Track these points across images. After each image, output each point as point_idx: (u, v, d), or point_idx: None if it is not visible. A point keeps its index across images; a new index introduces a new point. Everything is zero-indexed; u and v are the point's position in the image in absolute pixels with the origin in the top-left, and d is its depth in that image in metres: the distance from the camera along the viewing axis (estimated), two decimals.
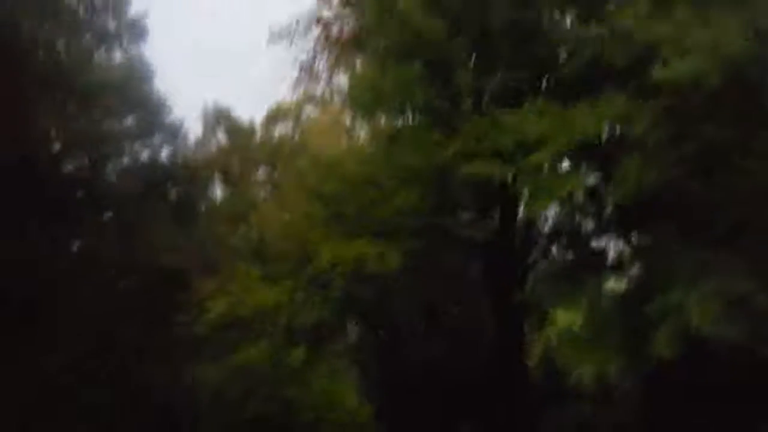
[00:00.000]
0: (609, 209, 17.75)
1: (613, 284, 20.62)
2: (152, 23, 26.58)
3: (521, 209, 18.35)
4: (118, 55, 26.06)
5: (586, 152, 15.49)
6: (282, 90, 20.29)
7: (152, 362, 22.21)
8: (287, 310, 18.68)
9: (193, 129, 29.86)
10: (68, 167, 28.65)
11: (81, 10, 25.25)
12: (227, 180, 28.26)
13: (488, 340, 19.70)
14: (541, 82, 17.07)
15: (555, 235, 19.09)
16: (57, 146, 27.64)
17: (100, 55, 26.04)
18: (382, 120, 19.79)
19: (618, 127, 15.60)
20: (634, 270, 18.76)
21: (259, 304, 18.21)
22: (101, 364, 21.58)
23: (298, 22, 17.99)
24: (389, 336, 24.56)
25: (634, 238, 18.34)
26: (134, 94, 26.28)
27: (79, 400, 20.02)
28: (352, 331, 25.54)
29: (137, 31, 25.55)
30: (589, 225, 18.56)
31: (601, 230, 18.32)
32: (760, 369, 15.55)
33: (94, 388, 20.61)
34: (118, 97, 26.23)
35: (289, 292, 18.56)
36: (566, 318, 20.85)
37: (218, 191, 29.20)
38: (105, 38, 25.76)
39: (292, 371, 18.11)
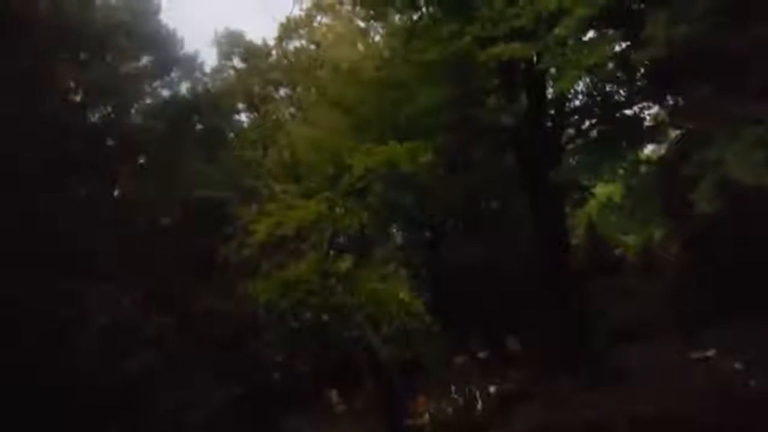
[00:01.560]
0: (641, 74, 17.23)
1: (651, 151, 20.36)
2: None
3: (549, 87, 17.93)
4: None
5: (611, 16, 14.88)
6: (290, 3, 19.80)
7: (208, 289, 22.97)
8: (329, 222, 18.97)
9: (209, 58, 29.59)
10: (93, 116, 28.83)
11: None
12: (250, 104, 28.14)
13: (529, 225, 19.76)
14: None
15: (587, 108, 18.68)
16: (78, 98, 27.75)
17: None
18: (396, 18, 19.27)
19: None
20: (672, 134, 18.42)
21: (300, 219, 18.49)
22: (159, 298, 22.40)
23: None
24: (432, 235, 24.89)
25: (669, 100, 17.85)
26: (143, 32, 25.99)
27: (143, 333, 20.93)
28: (396, 235, 25.95)
29: None
30: (621, 93, 18.09)
31: (634, 97, 17.86)
32: None
33: (156, 319, 21.49)
34: (127, 37, 25.98)
35: (328, 205, 18.78)
36: (606, 190, 20.74)
37: (243, 117, 29.18)
38: None
39: (340, 279, 18.56)
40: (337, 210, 19.39)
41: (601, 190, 21.33)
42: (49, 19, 23.03)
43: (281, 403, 17.71)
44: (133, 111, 29.54)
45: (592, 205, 23.03)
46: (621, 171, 17.65)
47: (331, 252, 19.42)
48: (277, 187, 21.51)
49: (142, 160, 30.27)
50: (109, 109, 28.49)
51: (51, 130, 25.61)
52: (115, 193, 30.19)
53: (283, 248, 20.66)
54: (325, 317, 17.54)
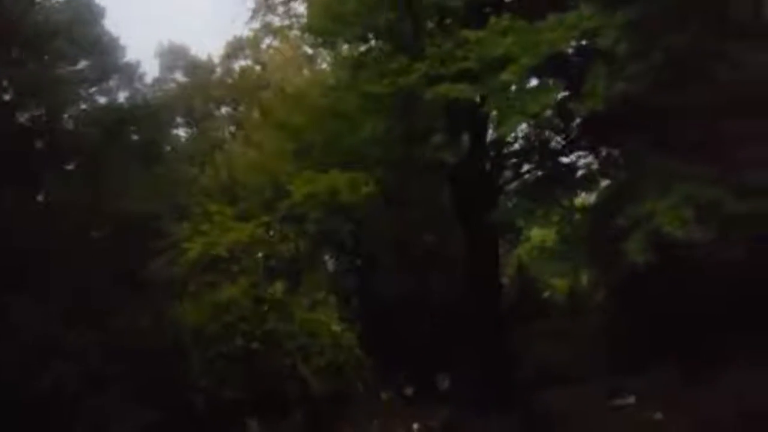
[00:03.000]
0: (578, 124, 17.82)
1: (584, 199, 21.00)
2: None
3: (490, 130, 18.32)
4: None
5: (554, 67, 15.36)
6: (238, 24, 19.65)
7: (131, 307, 22.19)
8: (263, 245, 18.69)
9: (151, 70, 28.91)
10: (23, 118, 27.65)
11: None
12: (190, 120, 27.60)
13: (462, 262, 19.99)
14: None
15: (525, 153, 19.16)
16: (8, 96, 26.60)
17: None
18: (345, 48, 19.36)
19: (585, 41, 15.44)
20: (604, 183, 19.05)
21: (235, 241, 18.16)
22: (81, 312, 21.49)
23: None
24: (365, 265, 24.84)
25: (604, 151, 18.51)
26: (84, 36, 25.16)
27: (62, 348, 20.00)
28: (329, 263, 25.77)
29: None
30: (558, 140, 18.64)
31: (570, 145, 18.43)
32: (729, 274, 16.08)
33: (76, 335, 20.58)
34: (67, 40, 25.10)
35: (264, 228, 18.52)
36: (539, 235, 21.25)
37: (182, 132, 28.56)
38: None
39: (272, 304, 18.26)
40: (273, 234, 19.14)
41: (535, 233, 21.84)
42: None
43: (203, 430, 17.14)
44: (65, 116, 28.47)
45: (525, 247, 23.53)
46: (555, 216, 18.15)
47: (264, 277, 19.08)
48: (213, 207, 21.04)
49: (71, 167, 29.14)
50: (41, 111, 27.40)
51: None
52: (40, 199, 28.93)
53: (214, 269, 20.17)
54: (255, 344, 17.16)
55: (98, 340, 19.79)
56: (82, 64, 26.87)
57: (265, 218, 18.76)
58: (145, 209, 25.89)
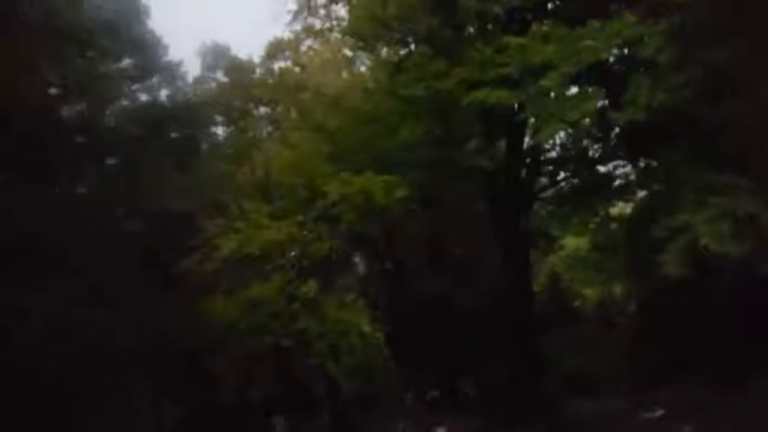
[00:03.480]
0: (616, 133, 17.68)
1: (621, 209, 20.81)
2: None
3: (527, 136, 18.25)
4: None
5: (594, 75, 15.27)
6: (281, 26, 19.92)
7: (164, 303, 22.55)
8: (297, 245, 18.86)
9: (193, 68, 29.43)
10: (66, 113, 28.32)
11: None
12: (229, 118, 27.99)
13: (494, 267, 19.92)
14: (547, 5, 16.70)
15: (562, 161, 19.04)
16: (54, 91, 27.28)
17: None
18: (384, 51, 19.47)
19: (627, 49, 15.33)
20: (641, 194, 18.87)
21: (269, 240, 18.36)
22: (113, 307, 21.92)
23: None
24: (397, 268, 24.88)
25: (642, 162, 18.34)
26: (129, 34, 25.75)
27: (92, 343, 20.42)
28: (360, 264, 25.88)
29: None
30: (596, 150, 18.50)
31: (608, 155, 18.28)
32: (759, 289, 15.84)
33: (106, 329, 20.99)
34: (112, 37, 25.70)
35: (298, 228, 18.69)
36: (573, 243, 21.10)
37: (220, 130, 28.98)
38: None
39: (304, 303, 18.42)
40: (306, 234, 19.30)
41: (569, 241, 21.69)
42: (34, 13, 22.74)
43: (230, 427, 17.36)
44: (108, 112, 29.09)
45: (558, 255, 23.37)
46: (590, 225, 18.04)
47: (296, 276, 19.26)
48: (248, 205, 21.31)
49: (111, 162, 29.72)
50: (84, 106, 28.03)
51: (21, 121, 25.04)
52: (81, 192, 29.54)
53: (248, 267, 20.43)
54: (286, 342, 17.32)
55: (129, 336, 20.19)
56: (126, 61, 27.49)
57: (300, 218, 18.92)
58: (181, 206, 26.37)
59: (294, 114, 23.12)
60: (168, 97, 27.81)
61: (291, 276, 18.89)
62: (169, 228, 27.02)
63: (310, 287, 18.48)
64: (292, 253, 19.49)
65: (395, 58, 18.87)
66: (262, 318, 17.89)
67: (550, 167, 19.31)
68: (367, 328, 18.13)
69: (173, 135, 28.84)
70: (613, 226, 18.29)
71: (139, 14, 26.65)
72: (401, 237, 22.10)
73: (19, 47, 22.99)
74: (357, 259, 25.69)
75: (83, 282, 21.99)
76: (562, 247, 22.02)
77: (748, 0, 13.22)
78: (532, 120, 16.54)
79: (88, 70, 26.36)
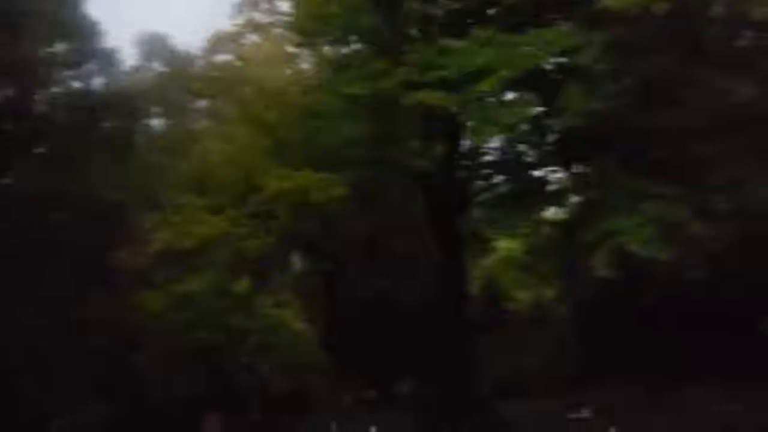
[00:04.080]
0: (551, 139, 18.06)
1: (554, 213, 21.26)
2: None
3: (465, 139, 18.47)
4: None
5: (531, 81, 15.58)
6: (223, 19, 19.63)
7: (92, 297, 21.90)
8: (231, 240, 18.59)
9: (130, 58, 28.56)
10: None
11: None
12: (166, 110, 27.30)
13: (430, 269, 20.08)
14: (488, 11, 16.93)
15: (498, 164, 19.34)
16: None
17: None
18: (327, 48, 19.37)
19: (563, 58, 15.69)
20: (574, 199, 19.33)
21: (203, 234, 18.03)
22: (37, 300, 21.17)
23: None
24: (333, 267, 24.77)
25: (576, 167, 18.80)
26: (64, 20, 24.83)
27: (14, 336, 19.67)
28: (296, 261, 25.65)
29: None
30: (531, 154, 18.85)
31: (543, 160, 18.66)
32: (689, 293, 16.48)
33: (29, 322, 20.26)
34: (45, 21, 24.73)
35: (233, 223, 18.42)
36: (507, 245, 21.46)
37: (156, 122, 28.22)
38: None
39: (236, 300, 18.16)
40: (241, 230, 19.03)
41: (503, 244, 22.03)
42: None
43: (157, 424, 16.95)
44: (36, 97, 27.95)
45: (493, 257, 23.71)
46: (524, 229, 18.38)
47: (230, 272, 18.95)
48: (183, 198, 20.83)
49: (41, 150, 28.60)
50: (11, 91, 26.89)
51: None
52: (6, 181, 28.36)
53: (181, 262, 19.98)
54: (216, 338, 17.02)
55: (54, 329, 19.50)
56: (59, 46, 26.49)
57: (235, 213, 18.63)
58: (114, 198, 25.59)
59: (234, 108, 22.73)
60: (103, 85, 26.94)
61: (224, 272, 18.57)
62: (100, 220, 26.21)
63: (243, 284, 18.23)
64: (227, 249, 19.15)
65: (337, 55, 18.81)
66: (192, 314, 17.53)
67: (487, 170, 19.57)
68: (299, 325, 17.98)
69: (107, 124, 27.98)
70: (546, 229, 18.68)
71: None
72: (339, 234, 22.01)
73: None
74: (293, 257, 25.45)
75: (14, 279, 21.18)
76: (496, 250, 22.36)
77: (679, 14, 13.68)
78: (470, 123, 16.74)
79: (17, 54, 25.33)
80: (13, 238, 23.39)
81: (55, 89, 27.40)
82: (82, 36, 25.93)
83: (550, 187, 19.18)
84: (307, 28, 18.18)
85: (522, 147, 19.16)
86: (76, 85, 27.44)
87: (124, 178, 26.95)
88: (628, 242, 13.80)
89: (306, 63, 21.20)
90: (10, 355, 18.25)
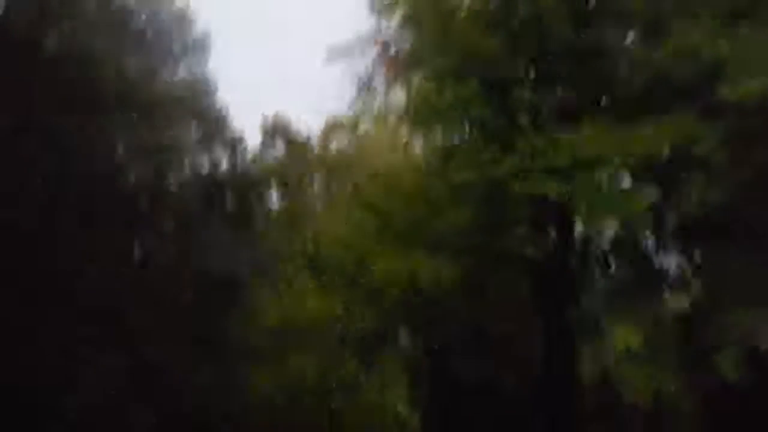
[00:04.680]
0: (670, 226, 17.43)
1: (674, 302, 20.24)
2: (220, 39, 27.59)
3: (578, 224, 18.13)
4: (182, 71, 27.16)
5: (647, 170, 15.24)
6: (340, 105, 20.70)
7: (205, 365, 22.86)
8: (341, 320, 18.95)
9: (254, 140, 30.63)
10: (131, 177, 29.63)
11: (149, 30, 26.40)
12: (284, 190, 28.82)
13: (539, 357, 19.48)
14: (600, 100, 16.89)
15: (613, 251, 18.77)
16: (121, 156, 28.66)
17: (165, 71, 27.17)
18: (438, 135, 19.86)
19: (681, 146, 15.28)
20: (696, 288, 18.37)
21: (314, 313, 18.51)
22: (155, 367, 22.32)
23: (356, 40, 18.25)
24: (440, 349, 24.57)
25: (696, 255, 17.96)
26: (196, 107, 27.14)
27: (137, 397, 20.76)
28: (404, 342, 25.67)
29: (202, 48, 26.64)
30: (649, 241, 18.21)
31: (661, 247, 17.97)
32: None
33: (145, 392, 21.35)
34: (180, 109, 27.11)
35: (343, 303, 18.81)
36: (624, 336, 20.48)
37: (275, 201, 29.80)
38: (170, 55, 26.88)
39: (342, 379, 18.33)
40: (351, 309, 19.40)
41: (619, 334, 21.08)
42: (111, 81, 24.26)
43: None
44: (170, 178, 30.28)
45: (606, 347, 22.70)
46: (642, 319, 17.57)
47: (337, 352, 19.27)
48: (296, 276, 21.64)
49: (169, 227, 30.72)
50: (149, 172, 29.30)
51: (88, 183, 26.34)
52: (136, 253, 30.52)
53: (290, 338, 20.57)
54: (322, 421, 17.20)
55: (165, 398, 20.42)
56: (191, 132, 28.89)
57: (345, 293, 19.06)
58: (232, 273, 26.96)
59: (347, 190, 23.64)
60: (228, 167, 28.99)
61: (331, 351, 18.89)
62: (216, 293, 27.55)
63: (349, 364, 18.43)
64: (335, 328, 19.55)
65: (448, 143, 19.21)
66: (297, 392, 17.86)
67: (601, 257, 19.02)
68: (403, 409, 17.84)
69: (230, 203, 29.87)
70: (667, 320, 17.78)
71: (208, 88, 28.18)
72: (446, 318, 21.96)
73: (95, 116, 24.44)
74: (400, 337, 25.55)
75: (135, 349, 22.58)
76: (612, 341, 21.40)
77: None
78: (583, 211, 16.48)
79: (153, 139, 27.74)
80: (138, 313, 24.94)
81: (185, 171, 29.70)
82: (212, 122, 28.22)
83: (670, 276, 18.38)
84: (420, 116, 18.76)
85: (638, 233, 18.58)
86: (205, 166, 29.69)
87: (242, 254, 28.38)
88: (759, 341, 12.88)
89: (418, 149, 21.80)
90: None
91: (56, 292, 20.40)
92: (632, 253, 18.65)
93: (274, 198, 29.22)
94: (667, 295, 19.30)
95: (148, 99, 25.80)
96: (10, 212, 21.05)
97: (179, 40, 26.88)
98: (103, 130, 24.80)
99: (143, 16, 27.05)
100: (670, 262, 18.76)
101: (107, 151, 27.29)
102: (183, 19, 26.82)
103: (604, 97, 16.88)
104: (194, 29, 27.02)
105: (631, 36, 17.12)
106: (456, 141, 18.71)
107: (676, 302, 20.29)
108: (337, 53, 18.40)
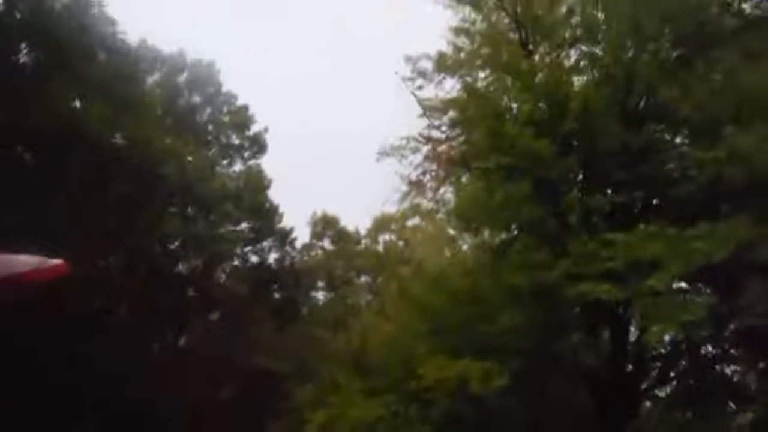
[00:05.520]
0: (731, 334, 16.63)
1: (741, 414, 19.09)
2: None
3: (633, 331, 17.46)
4: (238, 167, 28.14)
5: (705, 275, 14.70)
6: (389, 203, 20.85)
7: None
8: (387, 426, 18.32)
9: (303, 235, 31.05)
10: (184, 266, 30.19)
11: (210, 126, 27.52)
12: (330, 285, 28.78)
13: None
14: (652, 202, 16.60)
15: (672, 358, 17.95)
16: (175, 246, 29.32)
17: (224, 166, 28.18)
18: (487, 234, 19.71)
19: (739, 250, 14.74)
20: (763, 399, 17.30)
21: (360, 419, 17.96)
22: None
23: (408, 140, 18.56)
24: None
25: (762, 365, 17.02)
26: (249, 202, 27.82)
27: None
28: None
29: (258, 145, 27.64)
30: (710, 348, 17.38)
31: (723, 355, 17.11)
32: None
33: None
34: (234, 204, 27.83)
35: (389, 408, 18.24)
36: None
37: (320, 295, 29.76)
38: (228, 151, 27.92)
39: None
40: (398, 417, 18.77)
41: None
42: (174, 181, 25.13)
43: None
44: (219, 269, 30.77)
45: None
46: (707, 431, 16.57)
47: None
48: (340, 376, 21.20)
49: (215, 317, 30.91)
50: (199, 262, 29.82)
51: (141, 271, 26.92)
52: (182, 342, 30.63)
53: None
54: None
55: None
56: (243, 225, 29.53)
57: (392, 397, 18.51)
58: (275, 368, 26.71)
59: (394, 286, 23.43)
60: (276, 260, 29.33)
61: None
62: (260, 389, 27.21)
63: None
64: None
65: (498, 242, 19.01)
66: None
67: (659, 364, 18.20)
68: None
69: (276, 296, 30.01)
70: None
71: (261, 183, 28.95)
72: (497, 425, 21.05)
73: (155, 209, 25.18)
74: None
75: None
76: None
77: None
78: (641, 320, 15.89)
79: (207, 231, 28.41)
80: (185, 398, 24.79)
81: (234, 262, 30.15)
82: (263, 217, 28.80)
83: (736, 386, 17.41)
84: (469, 214, 18.70)
85: (699, 340, 17.77)
86: (253, 259, 30.13)
87: (287, 348, 28.19)
88: None
89: (466, 246, 21.65)
90: None
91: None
92: (692, 361, 17.81)
93: (320, 291, 29.16)
94: (732, 407, 18.27)
95: (206, 194, 26.61)
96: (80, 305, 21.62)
97: (239, 135, 27.92)
98: (162, 227, 25.59)
99: (207, 111, 28.23)
100: (733, 372, 17.86)
101: (162, 240, 28.01)
102: (243, 116, 27.90)
103: (655, 199, 16.59)
104: (252, 126, 28.05)
105: (679, 138, 17.01)
106: (504, 238, 18.52)
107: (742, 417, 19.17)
108: (387, 152, 18.70)
